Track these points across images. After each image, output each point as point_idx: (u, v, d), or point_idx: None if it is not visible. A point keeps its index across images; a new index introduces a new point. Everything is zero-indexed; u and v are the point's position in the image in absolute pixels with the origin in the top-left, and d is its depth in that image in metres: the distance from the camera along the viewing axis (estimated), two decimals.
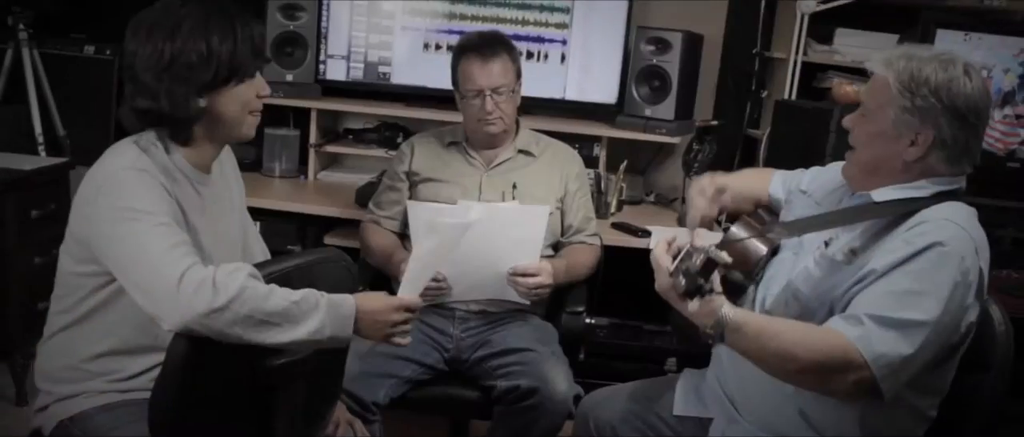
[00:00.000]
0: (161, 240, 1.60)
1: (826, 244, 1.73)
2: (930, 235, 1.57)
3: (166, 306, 1.55)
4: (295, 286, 1.63)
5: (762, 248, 1.80)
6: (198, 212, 1.78)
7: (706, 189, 1.96)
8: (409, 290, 1.80)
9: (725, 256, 1.47)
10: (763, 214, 1.99)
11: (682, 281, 1.51)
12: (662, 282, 1.58)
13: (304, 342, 1.61)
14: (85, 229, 1.68)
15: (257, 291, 1.58)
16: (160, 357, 1.61)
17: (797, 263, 1.77)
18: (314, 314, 1.61)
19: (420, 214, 2.36)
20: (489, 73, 2.43)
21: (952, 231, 1.58)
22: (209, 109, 1.72)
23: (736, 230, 1.82)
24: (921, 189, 1.66)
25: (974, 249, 1.59)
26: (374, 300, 1.73)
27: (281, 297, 1.59)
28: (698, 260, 1.48)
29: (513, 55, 2.49)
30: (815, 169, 1.99)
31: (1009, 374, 1.73)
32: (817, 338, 1.56)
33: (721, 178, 1.99)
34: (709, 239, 1.62)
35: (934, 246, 1.56)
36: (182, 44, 1.66)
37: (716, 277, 1.53)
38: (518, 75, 2.51)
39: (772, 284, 1.80)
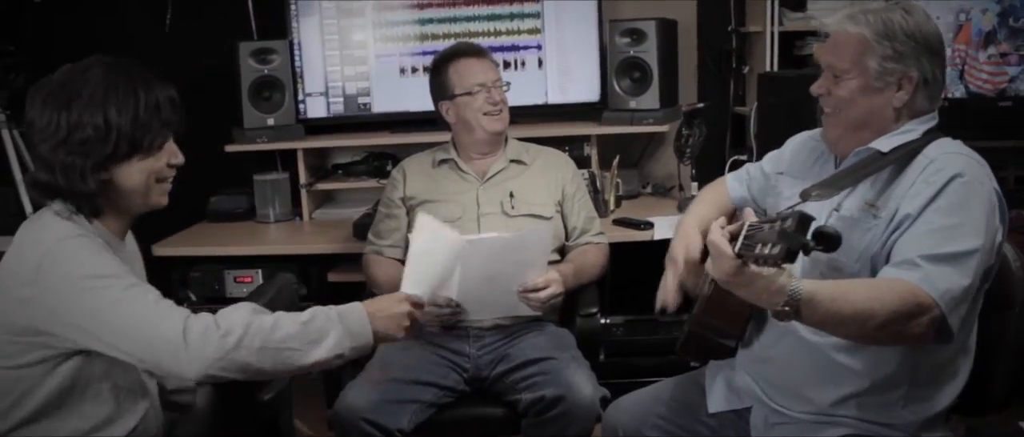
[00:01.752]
0: (142, 300, 1.54)
1: (837, 209, 1.73)
2: (947, 170, 1.61)
3: (180, 362, 1.50)
4: None
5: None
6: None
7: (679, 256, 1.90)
8: (409, 287, 1.79)
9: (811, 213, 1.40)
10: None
11: (774, 249, 1.37)
12: (726, 267, 1.47)
13: (330, 360, 1.59)
14: (25, 314, 1.55)
15: (263, 322, 1.55)
16: (148, 402, 1.58)
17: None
18: (329, 329, 1.59)
19: (425, 222, 2.33)
20: (485, 69, 2.49)
21: (963, 162, 1.64)
22: (111, 182, 1.61)
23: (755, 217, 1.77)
24: (912, 132, 1.70)
25: (987, 173, 1.65)
26: (377, 299, 1.72)
27: (289, 321, 1.56)
28: (788, 223, 1.37)
29: (495, 64, 2.55)
30: (772, 153, 2.02)
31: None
32: (886, 290, 1.54)
33: (690, 228, 1.93)
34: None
35: (955, 179, 1.60)
36: (78, 116, 1.56)
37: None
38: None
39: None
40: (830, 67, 1.73)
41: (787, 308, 1.47)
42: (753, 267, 1.44)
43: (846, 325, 1.55)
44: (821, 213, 1.74)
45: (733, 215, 2.01)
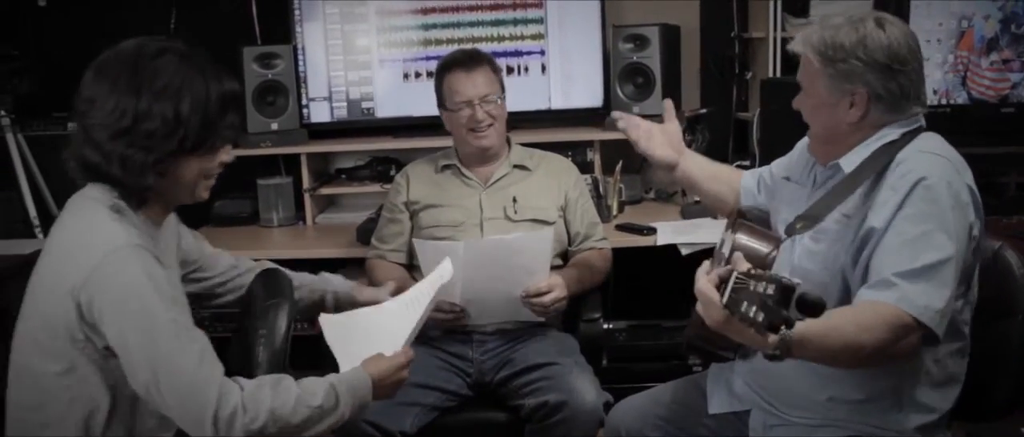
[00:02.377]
0: (189, 352, 1.49)
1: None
2: (911, 174, 1.60)
3: (202, 431, 1.50)
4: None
5: (771, 248, 1.74)
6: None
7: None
8: (411, 335, 1.84)
9: (796, 280, 1.33)
10: (749, 220, 1.99)
11: (758, 315, 1.33)
12: (716, 316, 1.43)
13: (327, 430, 1.62)
14: (72, 310, 1.51)
15: (285, 407, 1.54)
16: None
17: (794, 247, 1.78)
18: (336, 410, 1.61)
19: (427, 251, 2.33)
20: (474, 83, 2.45)
21: (928, 161, 1.62)
22: (164, 176, 1.55)
23: (745, 238, 1.74)
24: (886, 137, 1.69)
25: (955, 170, 1.64)
26: (380, 366, 1.73)
27: (305, 406, 1.57)
28: (769, 290, 1.32)
29: (495, 68, 2.52)
30: (781, 159, 2.04)
31: None
32: (871, 317, 1.53)
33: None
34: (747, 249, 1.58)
35: (919, 183, 1.59)
36: (148, 105, 1.48)
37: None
38: (502, 89, 2.51)
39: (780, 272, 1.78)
40: (800, 83, 1.78)
41: (777, 352, 1.46)
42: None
43: (838, 359, 1.57)
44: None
45: (734, 215, 2.01)
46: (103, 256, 1.49)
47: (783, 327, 1.31)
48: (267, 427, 1.51)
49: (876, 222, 1.61)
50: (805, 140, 1.96)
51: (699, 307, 1.49)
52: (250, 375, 1.62)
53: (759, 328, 1.33)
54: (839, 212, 1.69)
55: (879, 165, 1.66)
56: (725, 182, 2.12)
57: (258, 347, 1.79)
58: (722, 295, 1.39)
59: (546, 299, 2.30)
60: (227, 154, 1.64)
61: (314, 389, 1.59)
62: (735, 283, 1.39)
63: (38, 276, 1.60)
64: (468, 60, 2.50)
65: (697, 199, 2.95)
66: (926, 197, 1.58)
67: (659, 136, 2.08)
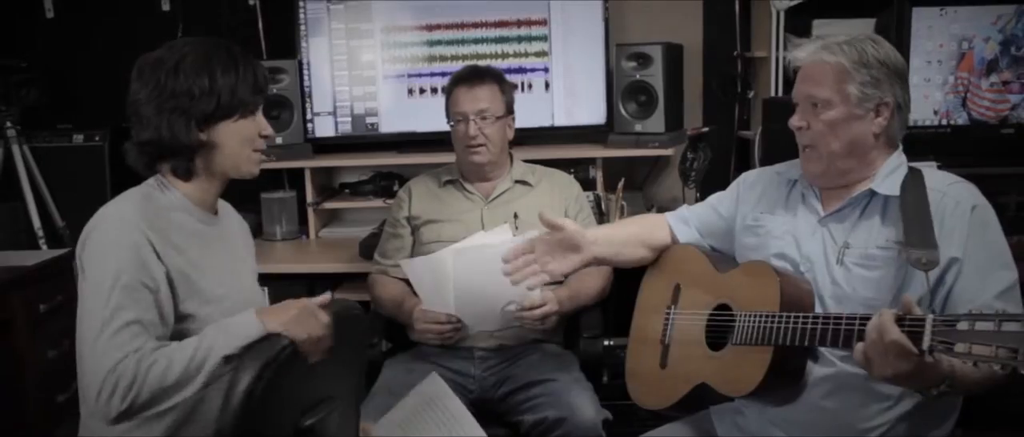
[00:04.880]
0: (102, 319, 1.61)
1: (847, 247, 1.75)
2: (963, 202, 1.69)
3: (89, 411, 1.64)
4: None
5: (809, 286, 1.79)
6: (202, 246, 1.76)
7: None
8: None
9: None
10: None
11: (1000, 351, 1.32)
12: (910, 366, 1.44)
13: (219, 367, 1.60)
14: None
15: (153, 371, 1.58)
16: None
17: (818, 274, 1.77)
18: (208, 360, 1.60)
19: (416, 267, 2.35)
20: (474, 98, 2.47)
21: (967, 189, 1.73)
22: (209, 142, 1.73)
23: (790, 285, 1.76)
24: (901, 166, 1.76)
25: (979, 192, 1.73)
26: (279, 307, 1.69)
27: (179, 360, 1.59)
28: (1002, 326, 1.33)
29: (503, 87, 2.53)
30: (722, 196, 2.07)
31: None
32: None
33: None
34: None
35: (975, 209, 1.68)
36: (185, 78, 1.69)
37: None
38: (509, 108, 2.52)
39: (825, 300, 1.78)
40: (809, 98, 1.76)
41: (945, 386, 1.47)
42: (931, 357, 1.41)
43: (987, 385, 1.57)
44: (818, 253, 1.78)
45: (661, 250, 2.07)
46: (96, 220, 1.70)
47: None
48: (150, 399, 1.58)
49: (954, 251, 1.65)
50: (755, 176, 2.01)
51: (865, 356, 1.48)
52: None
53: (1007, 364, 1.31)
54: (886, 238, 1.71)
55: (922, 192, 1.70)
56: (640, 243, 2.10)
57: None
58: (921, 342, 1.41)
59: (537, 313, 2.30)
60: (266, 128, 1.80)
61: (184, 345, 1.63)
62: (936, 326, 1.40)
63: None
64: (473, 75, 2.53)
65: None
66: (984, 220, 1.68)
67: (554, 253, 1.99)
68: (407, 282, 2.54)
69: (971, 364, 1.35)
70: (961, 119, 3.00)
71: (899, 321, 1.45)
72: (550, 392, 2.26)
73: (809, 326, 1.65)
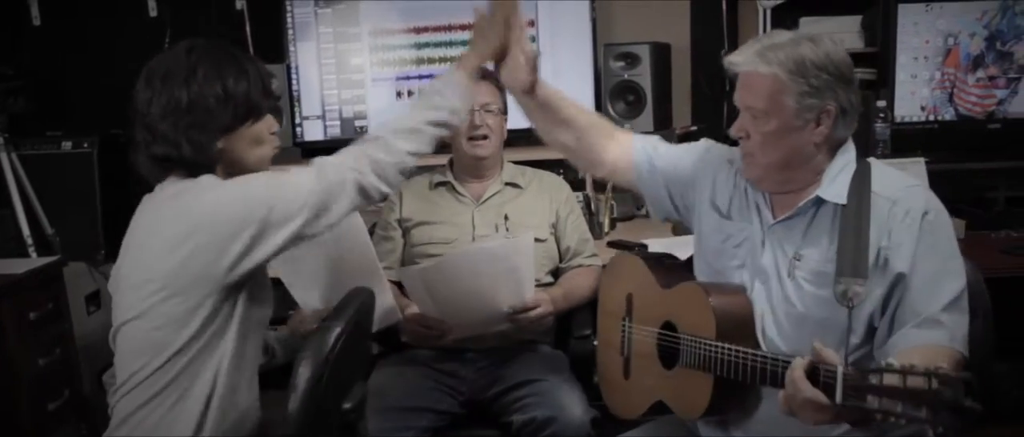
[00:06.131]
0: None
1: (798, 259, 1.69)
2: (913, 211, 1.62)
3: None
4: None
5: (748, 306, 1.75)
6: None
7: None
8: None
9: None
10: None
11: (935, 414, 1.23)
12: (826, 416, 1.39)
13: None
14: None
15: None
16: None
17: (772, 289, 1.72)
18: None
19: (412, 277, 2.35)
20: (477, 91, 2.46)
21: (920, 194, 1.65)
22: (226, 150, 1.73)
23: (723, 300, 1.74)
24: (847, 168, 1.67)
25: (935, 196, 1.67)
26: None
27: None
28: (946, 392, 1.22)
29: (499, 85, 2.52)
30: (690, 153, 1.94)
31: (992, 321, 1.81)
32: (945, 360, 1.50)
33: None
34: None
35: (925, 216, 1.62)
36: (199, 89, 1.68)
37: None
38: (505, 108, 2.53)
39: (764, 322, 1.73)
40: (748, 108, 1.68)
41: (879, 419, 1.40)
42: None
43: None
44: (772, 265, 1.72)
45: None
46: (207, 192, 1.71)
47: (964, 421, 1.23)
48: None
49: (902, 267, 1.60)
50: (717, 155, 1.90)
51: (783, 403, 1.45)
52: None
53: (925, 424, 1.24)
54: (833, 252, 1.64)
55: (866, 203, 1.63)
56: (609, 136, 1.99)
57: None
58: (833, 395, 1.36)
59: (532, 315, 2.31)
60: (274, 125, 1.81)
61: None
62: (843, 376, 1.35)
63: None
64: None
65: None
66: (935, 227, 1.62)
67: (519, 59, 1.91)
68: (398, 284, 2.54)
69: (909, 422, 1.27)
70: (948, 115, 3.02)
71: (814, 369, 1.41)
72: (539, 392, 2.27)
73: (746, 362, 1.61)
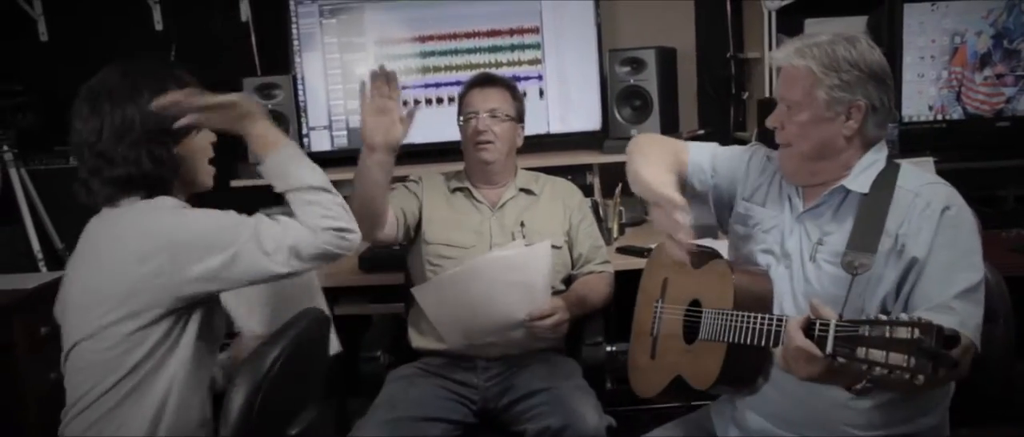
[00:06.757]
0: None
1: (821, 243, 1.77)
2: (934, 203, 1.68)
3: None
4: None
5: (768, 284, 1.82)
6: None
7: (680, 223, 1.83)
8: None
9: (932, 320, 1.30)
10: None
11: (911, 361, 1.28)
12: (818, 368, 1.44)
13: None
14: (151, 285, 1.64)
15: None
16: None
17: (794, 271, 1.80)
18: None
19: (428, 293, 2.34)
20: (486, 97, 2.49)
21: (943, 190, 1.72)
22: (184, 157, 1.75)
23: (745, 279, 1.79)
24: (877, 162, 1.76)
25: (959, 195, 1.72)
26: None
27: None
28: (926, 342, 1.27)
29: (515, 94, 2.56)
30: (735, 156, 2.01)
31: (1013, 322, 1.88)
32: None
33: (670, 191, 1.85)
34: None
35: (945, 211, 1.67)
36: (145, 100, 1.68)
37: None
38: (520, 116, 2.54)
39: (783, 302, 1.80)
40: (784, 100, 1.78)
41: (869, 384, 1.43)
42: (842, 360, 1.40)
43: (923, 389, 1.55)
44: (796, 249, 1.79)
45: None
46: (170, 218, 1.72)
47: (942, 369, 1.28)
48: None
49: (916, 252, 1.65)
50: (754, 155, 1.98)
51: (779, 359, 1.52)
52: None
53: (912, 372, 1.28)
54: (847, 234, 1.72)
55: (888, 193, 1.70)
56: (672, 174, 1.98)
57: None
58: (825, 346, 1.42)
59: (548, 322, 2.31)
60: (212, 135, 1.81)
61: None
62: (834, 330, 1.41)
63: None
64: (486, 80, 2.56)
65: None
66: (955, 222, 1.67)
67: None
68: (402, 210, 2.48)
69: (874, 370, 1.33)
70: (956, 113, 3.01)
71: (810, 325, 1.46)
72: (553, 400, 2.26)
73: (754, 325, 1.67)
